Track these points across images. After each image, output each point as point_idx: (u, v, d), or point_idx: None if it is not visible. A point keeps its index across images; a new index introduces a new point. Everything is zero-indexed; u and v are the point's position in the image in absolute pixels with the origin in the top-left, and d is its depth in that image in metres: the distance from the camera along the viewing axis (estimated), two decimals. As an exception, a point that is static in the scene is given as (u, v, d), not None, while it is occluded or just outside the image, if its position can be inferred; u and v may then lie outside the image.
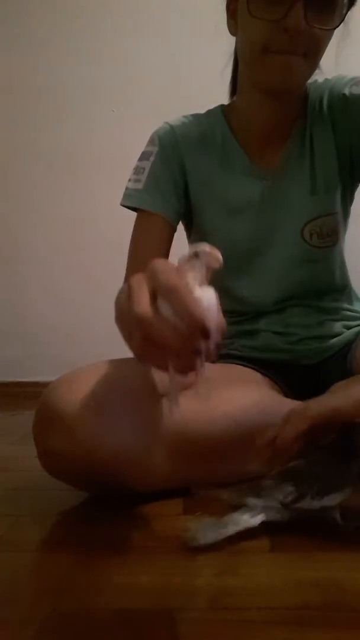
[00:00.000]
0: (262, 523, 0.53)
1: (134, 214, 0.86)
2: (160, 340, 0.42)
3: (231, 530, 0.52)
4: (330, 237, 0.86)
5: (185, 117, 0.90)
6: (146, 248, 0.84)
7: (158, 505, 0.64)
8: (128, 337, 0.48)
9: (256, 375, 0.87)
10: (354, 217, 0.92)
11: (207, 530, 0.52)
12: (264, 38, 0.71)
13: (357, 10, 0.74)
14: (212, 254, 0.47)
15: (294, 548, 0.51)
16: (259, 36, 0.71)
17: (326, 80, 0.85)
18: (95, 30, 1.76)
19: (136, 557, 0.52)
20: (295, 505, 0.52)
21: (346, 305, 0.94)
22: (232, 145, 0.86)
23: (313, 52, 0.73)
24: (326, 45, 0.75)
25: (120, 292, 0.75)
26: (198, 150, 0.86)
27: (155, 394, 0.65)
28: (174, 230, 0.87)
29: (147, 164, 0.86)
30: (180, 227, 0.91)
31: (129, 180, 0.87)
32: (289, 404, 0.75)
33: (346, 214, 0.90)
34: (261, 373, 0.88)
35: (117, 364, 0.69)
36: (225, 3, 0.78)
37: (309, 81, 0.80)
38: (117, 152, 1.53)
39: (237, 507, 0.54)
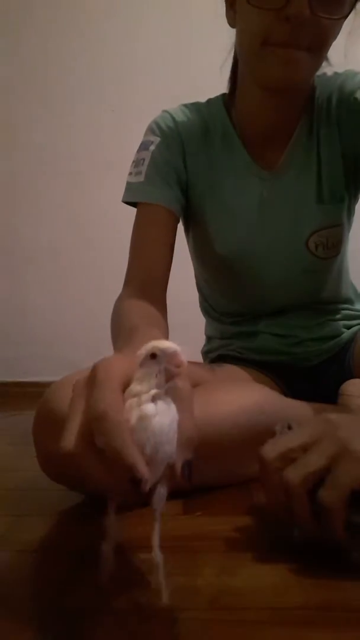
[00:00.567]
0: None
1: (135, 212, 0.82)
2: (92, 479, 0.37)
3: None
4: (335, 247, 0.83)
5: (185, 106, 0.85)
6: (150, 241, 0.80)
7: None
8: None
9: (256, 375, 0.86)
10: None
11: None
12: (264, 29, 0.64)
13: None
14: (174, 355, 0.38)
15: (294, 548, 0.51)
16: (258, 27, 0.65)
17: (336, 74, 0.79)
18: (96, 30, 1.77)
19: (136, 557, 0.52)
20: None
21: (346, 305, 0.93)
22: (233, 139, 0.82)
23: (318, 45, 0.66)
24: (334, 38, 0.67)
25: (116, 306, 0.74)
26: (198, 141, 0.82)
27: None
28: (178, 221, 0.82)
29: (147, 154, 0.80)
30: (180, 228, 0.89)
31: (130, 173, 0.82)
32: (291, 404, 0.75)
33: (350, 225, 0.87)
34: (261, 373, 0.88)
35: None
36: None
37: (317, 73, 0.74)
38: (117, 152, 1.53)
39: None
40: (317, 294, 0.88)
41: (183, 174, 0.82)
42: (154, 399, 0.38)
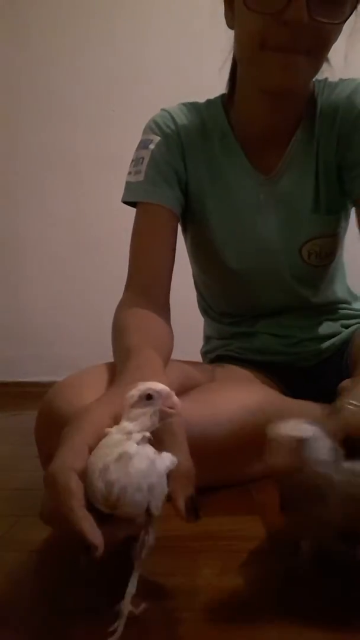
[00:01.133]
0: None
1: (135, 212, 0.81)
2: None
3: None
4: (329, 256, 0.83)
5: (184, 105, 0.84)
6: (151, 243, 0.78)
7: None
8: None
9: (256, 375, 0.86)
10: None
11: None
12: (262, 33, 0.63)
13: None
14: (169, 397, 0.39)
15: (299, 563, 0.51)
16: (255, 31, 0.64)
17: (343, 82, 0.77)
18: (96, 30, 1.77)
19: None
20: None
21: (344, 305, 0.93)
22: (231, 141, 0.81)
23: (317, 50, 0.65)
24: (333, 42, 0.66)
25: (117, 316, 0.73)
26: (197, 142, 0.81)
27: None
28: (178, 221, 0.81)
29: (147, 153, 0.79)
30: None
31: (129, 173, 0.81)
32: (292, 403, 0.75)
33: (345, 232, 0.86)
34: (260, 373, 0.87)
35: None
36: None
37: (318, 78, 0.73)
38: (117, 152, 1.53)
39: None
40: (311, 298, 0.88)
41: (183, 174, 0.81)
42: (143, 441, 0.38)
